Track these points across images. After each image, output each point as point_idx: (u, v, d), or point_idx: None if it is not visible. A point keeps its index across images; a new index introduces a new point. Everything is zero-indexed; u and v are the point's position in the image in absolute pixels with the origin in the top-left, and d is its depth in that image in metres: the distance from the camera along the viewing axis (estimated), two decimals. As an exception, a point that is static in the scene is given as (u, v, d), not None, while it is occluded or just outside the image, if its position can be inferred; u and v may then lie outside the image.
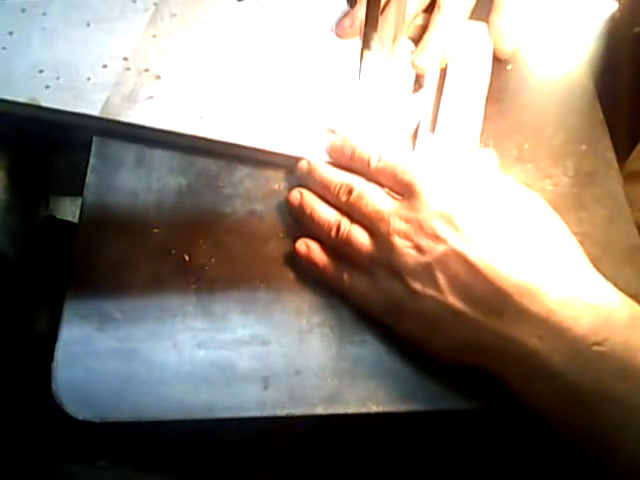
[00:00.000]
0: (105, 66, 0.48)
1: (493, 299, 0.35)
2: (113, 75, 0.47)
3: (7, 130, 0.52)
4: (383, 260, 0.38)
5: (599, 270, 0.36)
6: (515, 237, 0.36)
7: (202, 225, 0.44)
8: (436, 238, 0.37)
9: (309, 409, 0.38)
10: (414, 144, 0.46)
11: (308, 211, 0.42)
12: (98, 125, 0.47)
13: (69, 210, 0.69)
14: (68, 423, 0.38)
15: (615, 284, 0.36)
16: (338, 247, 0.41)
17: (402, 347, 0.40)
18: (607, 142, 0.47)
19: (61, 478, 0.45)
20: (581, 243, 0.37)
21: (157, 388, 0.39)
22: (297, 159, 0.44)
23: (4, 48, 0.48)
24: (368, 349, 0.40)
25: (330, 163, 0.44)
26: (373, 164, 0.41)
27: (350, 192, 0.41)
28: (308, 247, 0.42)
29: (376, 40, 0.42)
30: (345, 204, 0.41)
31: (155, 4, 0.51)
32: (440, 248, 0.36)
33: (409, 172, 0.39)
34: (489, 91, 0.48)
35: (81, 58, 0.48)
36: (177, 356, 0.40)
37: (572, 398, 0.34)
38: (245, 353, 0.40)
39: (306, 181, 0.44)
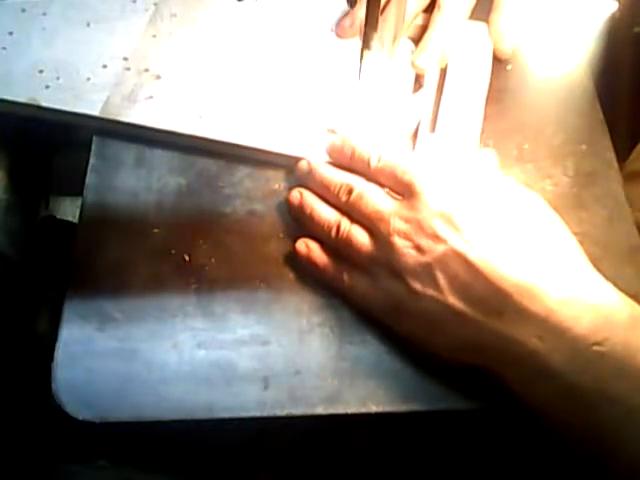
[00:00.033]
0: (105, 66, 0.48)
1: (493, 299, 0.35)
2: (113, 75, 0.47)
3: (7, 130, 0.52)
4: (383, 260, 0.38)
5: (599, 270, 0.36)
6: (515, 237, 0.36)
7: (202, 225, 0.44)
8: (436, 238, 0.37)
9: (309, 409, 0.38)
10: (414, 144, 0.45)
11: (308, 211, 0.42)
12: (98, 125, 0.47)
13: (69, 210, 0.69)
14: (68, 423, 0.38)
15: (615, 284, 0.36)
16: (338, 247, 0.41)
17: (402, 347, 0.40)
18: (607, 142, 0.47)
19: (61, 478, 0.45)
20: (581, 243, 0.37)
21: (157, 388, 0.39)
22: (297, 159, 0.44)
23: (4, 48, 0.48)
24: (368, 349, 0.40)
25: (330, 163, 0.44)
26: (373, 164, 0.41)
27: (350, 192, 0.41)
28: (308, 247, 0.42)
29: (376, 40, 0.42)
30: (345, 204, 0.41)
31: (155, 4, 0.51)
32: (440, 248, 0.36)
33: (409, 172, 0.39)
34: (489, 91, 0.48)
35: (81, 58, 0.48)
36: (177, 356, 0.40)
37: (572, 398, 0.34)
38: (245, 353, 0.40)
39: (306, 181, 0.44)
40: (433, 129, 0.46)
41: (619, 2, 0.56)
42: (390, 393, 0.39)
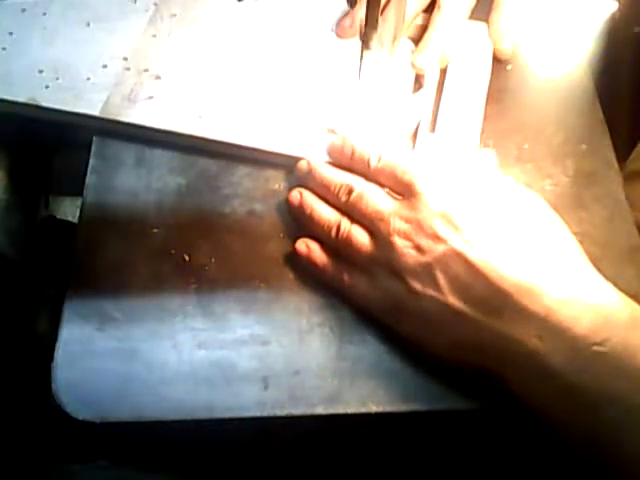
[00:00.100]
0: (105, 66, 0.48)
1: (493, 299, 0.35)
2: (113, 75, 0.47)
3: (7, 130, 0.52)
4: (383, 260, 0.38)
5: (599, 270, 0.36)
6: (515, 237, 0.36)
7: (202, 225, 0.44)
8: (436, 238, 0.37)
9: (309, 409, 0.38)
10: (414, 144, 0.45)
11: (308, 211, 0.42)
12: (98, 125, 0.47)
13: (69, 210, 0.69)
14: (68, 423, 0.38)
15: (615, 284, 0.36)
16: (338, 247, 0.41)
17: (402, 347, 0.40)
18: (607, 142, 0.47)
19: (61, 478, 0.45)
20: (581, 243, 0.37)
21: (157, 388, 0.39)
22: (297, 159, 0.44)
23: (4, 48, 0.48)
24: (368, 349, 0.40)
25: (330, 163, 0.44)
26: (373, 164, 0.41)
27: (350, 192, 0.41)
28: (308, 247, 0.42)
29: (376, 40, 0.42)
30: (345, 204, 0.41)
31: (155, 4, 0.51)
32: (440, 248, 0.36)
33: (409, 172, 0.39)
34: (489, 91, 0.48)
35: (81, 58, 0.48)
36: (177, 356, 0.40)
37: (572, 398, 0.34)
38: (245, 353, 0.40)
39: (306, 181, 0.44)
40: (433, 129, 0.46)
41: (619, 2, 0.56)
42: (390, 393, 0.39)
